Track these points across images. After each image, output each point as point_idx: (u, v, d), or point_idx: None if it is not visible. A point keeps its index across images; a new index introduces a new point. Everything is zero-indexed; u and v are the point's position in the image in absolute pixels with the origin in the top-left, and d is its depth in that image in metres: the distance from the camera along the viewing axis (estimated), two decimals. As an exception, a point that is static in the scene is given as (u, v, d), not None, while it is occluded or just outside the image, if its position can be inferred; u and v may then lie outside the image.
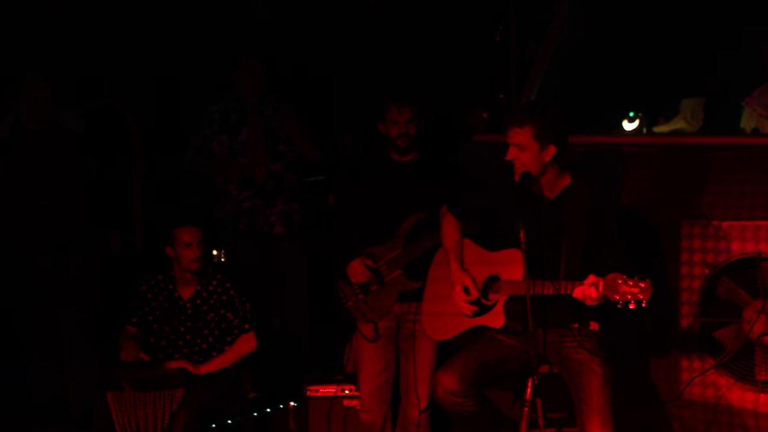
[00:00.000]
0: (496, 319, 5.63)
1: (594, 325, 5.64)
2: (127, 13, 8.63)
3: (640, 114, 7.29)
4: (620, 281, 5.23)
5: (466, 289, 5.72)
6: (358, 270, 6.41)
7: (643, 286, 5.21)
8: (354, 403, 6.69)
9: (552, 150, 5.55)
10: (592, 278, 5.31)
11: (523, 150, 5.55)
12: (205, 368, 6.59)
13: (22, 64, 7.82)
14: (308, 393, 6.77)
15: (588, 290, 5.31)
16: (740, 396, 6.10)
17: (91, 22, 8.56)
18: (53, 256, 7.42)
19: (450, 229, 5.88)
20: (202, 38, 8.70)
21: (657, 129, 7.34)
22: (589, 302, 5.34)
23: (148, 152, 8.68)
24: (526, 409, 5.59)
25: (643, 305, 5.21)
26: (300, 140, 7.51)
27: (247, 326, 6.68)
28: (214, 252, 7.97)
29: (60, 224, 7.40)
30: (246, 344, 6.68)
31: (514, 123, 5.56)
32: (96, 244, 7.61)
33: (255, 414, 6.91)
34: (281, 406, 7.05)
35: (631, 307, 5.21)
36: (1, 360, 7.62)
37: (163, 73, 8.72)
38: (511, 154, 5.57)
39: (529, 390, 5.58)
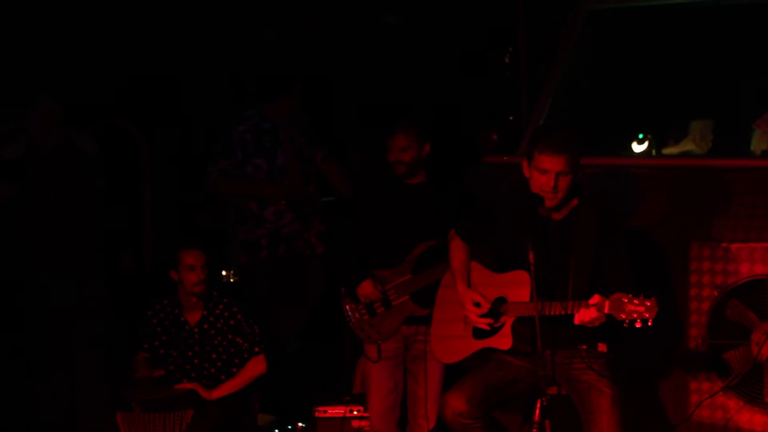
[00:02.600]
0: (503, 340, 5.63)
1: (602, 347, 5.64)
2: (135, 33, 8.68)
3: (649, 136, 7.28)
4: (626, 300, 5.23)
5: (477, 304, 5.71)
6: (368, 290, 6.41)
7: (648, 304, 5.20)
8: (363, 423, 6.69)
9: (579, 172, 5.57)
10: (596, 298, 5.31)
11: (567, 176, 5.51)
12: (216, 393, 6.58)
13: (34, 85, 7.85)
14: (317, 414, 6.77)
15: (585, 316, 5.32)
16: (749, 418, 6.09)
17: (101, 43, 8.61)
18: (65, 275, 7.44)
19: (458, 251, 5.88)
20: (211, 54, 8.74)
21: (666, 151, 7.33)
22: (590, 325, 5.34)
23: (158, 171, 8.71)
24: (534, 430, 5.58)
25: (649, 324, 5.21)
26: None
27: (256, 349, 6.68)
28: (223, 273, 7.97)
29: (72, 244, 7.42)
30: (256, 367, 6.67)
31: (564, 150, 5.47)
32: (107, 263, 7.64)
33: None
34: (289, 427, 7.05)
35: (637, 326, 5.21)
36: (12, 378, 7.64)
37: (171, 88, 8.76)
38: (551, 181, 5.50)
39: (537, 412, 5.56)
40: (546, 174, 5.50)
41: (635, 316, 5.21)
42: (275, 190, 7.33)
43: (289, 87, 7.41)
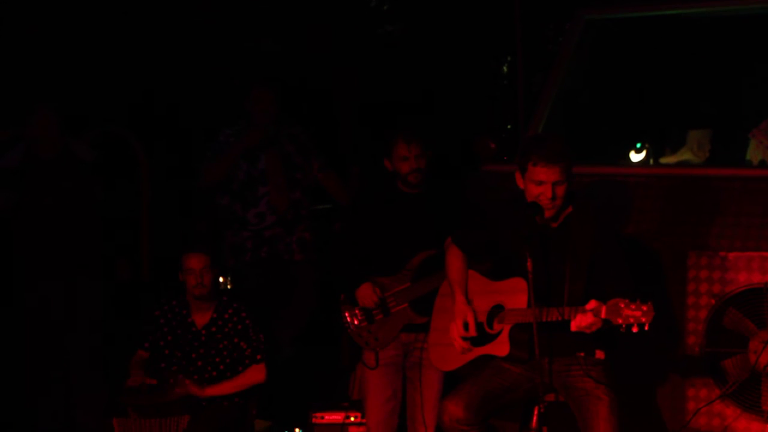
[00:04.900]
0: (501, 347, 5.63)
1: (600, 354, 5.65)
2: (134, 44, 8.71)
3: (646, 145, 7.31)
4: (622, 305, 5.23)
5: (466, 325, 5.73)
6: (366, 294, 6.40)
7: (645, 309, 5.21)
8: (360, 430, 6.68)
9: (571, 180, 5.59)
10: (593, 303, 5.32)
11: (563, 184, 5.52)
12: (211, 390, 6.59)
13: (33, 93, 7.88)
14: (314, 420, 6.76)
15: (582, 321, 5.34)
16: (747, 426, 6.08)
17: (101, 53, 8.64)
18: (63, 283, 7.44)
19: (455, 261, 5.88)
20: (208, 66, 8.76)
21: (664, 160, 7.36)
22: (587, 331, 5.35)
23: (156, 178, 8.73)
24: (531, 437, 5.60)
25: (646, 328, 5.21)
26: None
27: (258, 357, 6.68)
28: (221, 279, 7.97)
29: (70, 252, 7.42)
30: (255, 375, 6.68)
31: (559, 160, 5.48)
32: (105, 270, 7.64)
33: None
34: (287, 433, 7.06)
35: (634, 331, 5.22)
36: (8, 387, 7.63)
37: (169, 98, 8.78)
38: (548, 191, 5.51)
39: (535, 419, 5.58)
40: (542, 185, 5.52)
41: (632, 320, 5.21)
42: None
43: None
